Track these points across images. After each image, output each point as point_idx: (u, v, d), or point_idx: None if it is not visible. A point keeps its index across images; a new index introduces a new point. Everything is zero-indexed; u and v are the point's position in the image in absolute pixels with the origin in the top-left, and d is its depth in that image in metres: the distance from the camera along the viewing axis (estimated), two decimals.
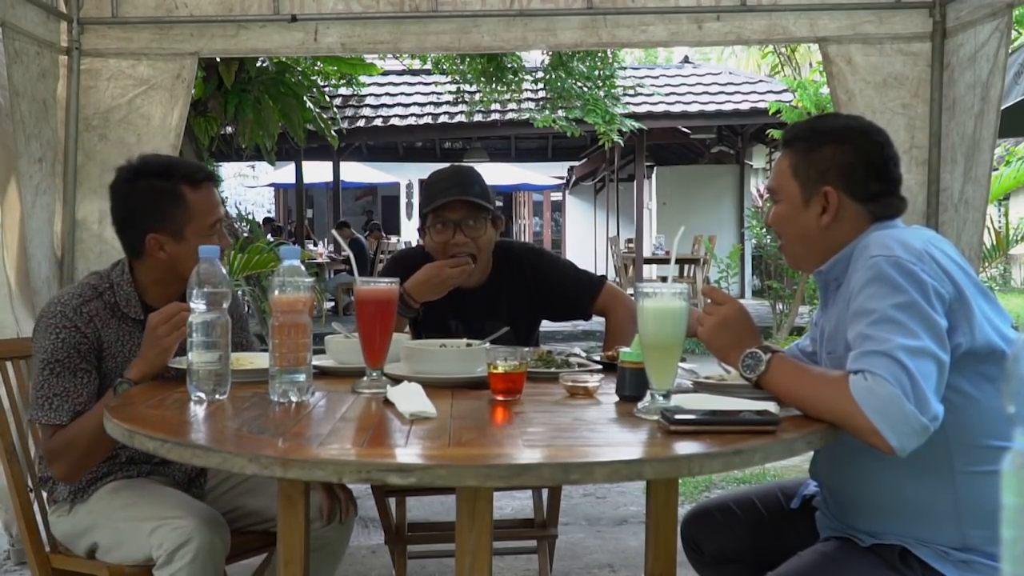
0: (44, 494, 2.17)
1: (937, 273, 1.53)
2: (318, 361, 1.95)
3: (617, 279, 13.31)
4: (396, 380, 1.77)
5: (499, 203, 2.63)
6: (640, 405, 1.57)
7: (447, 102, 12.43)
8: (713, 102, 12.34)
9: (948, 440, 1.54)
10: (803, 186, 1.72)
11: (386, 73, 12.35)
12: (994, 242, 7.54)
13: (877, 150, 1.72)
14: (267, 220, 15.04)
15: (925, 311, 1.48)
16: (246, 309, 10.16)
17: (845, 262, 1.69)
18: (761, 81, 13.06)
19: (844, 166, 1.70)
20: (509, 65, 10.19)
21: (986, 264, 7.57)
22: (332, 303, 11.63)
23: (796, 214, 1.74)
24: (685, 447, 1.35)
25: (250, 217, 11.48)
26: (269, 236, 10.82)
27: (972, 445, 1.56)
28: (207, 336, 1.68)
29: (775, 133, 10.26)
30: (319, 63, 9.32)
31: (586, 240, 20.35)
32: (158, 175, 2.03)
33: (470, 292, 2.55)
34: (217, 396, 1.68)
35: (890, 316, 1.48)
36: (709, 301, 1.72)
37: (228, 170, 18.37)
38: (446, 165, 2.73)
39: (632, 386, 1.69)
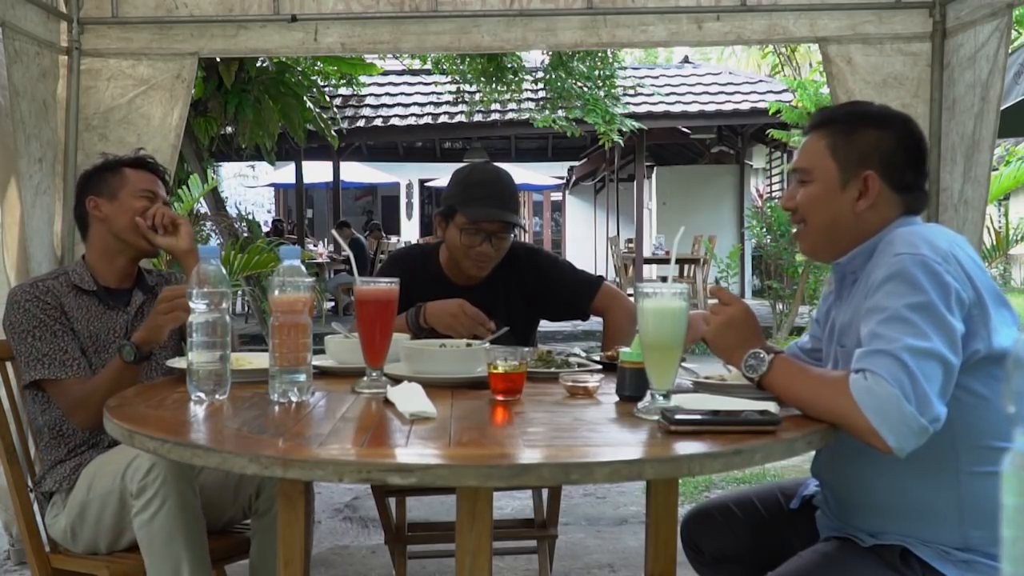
0: (38, 493, 2.20)
1: (961, 276, 1.51)
2: (318, 361, 1.95)
3: (617, 279, 13.31)
4: (396, 380, 1.77)
5: None
6: (640, 405, 1.57)
7: (447, 102, 12.43)
8: (713, 102, 12.34)
9: (955, 440, 1.54)
10: (842, 168, 1.67)
11: (386, 73, 12.36)
12: (994, 242, 7.53)
13: (917, 140, 1.69)
14: (277, 222, 15.06)
15: (940, 313, 1.46)
16: (246, 309, 10.17)
17: (865, 256, 1.66)
18: (761, 81, 13.06)
19: (887, 152, 1.66)
20: (509, 65, 10.19)
21: (986, 264, 7.57)
22: (332, 303, 11.63)
23: (831, 196, 1.68)
24: (685, 447, 1.35)
25: (250, 217, 11.49)
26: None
27: (979, 446, 1.55)
28: (207, 336, 1.68)
29: (775, 133, 10.27)
30: (319, 63, 9.33)
31: (586, 240, 20.36)
32: (111, 160, 2.36)
33: (469, 290, 2.55)
34: (217, 396, 1.68)
35: (902, 315, 1.46)
36: (714, 301, 1.71)
37: (228, 170, 18.38)
38: (484, 162, 2.75)
39: (632, 386, 1.69)
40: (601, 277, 2.72)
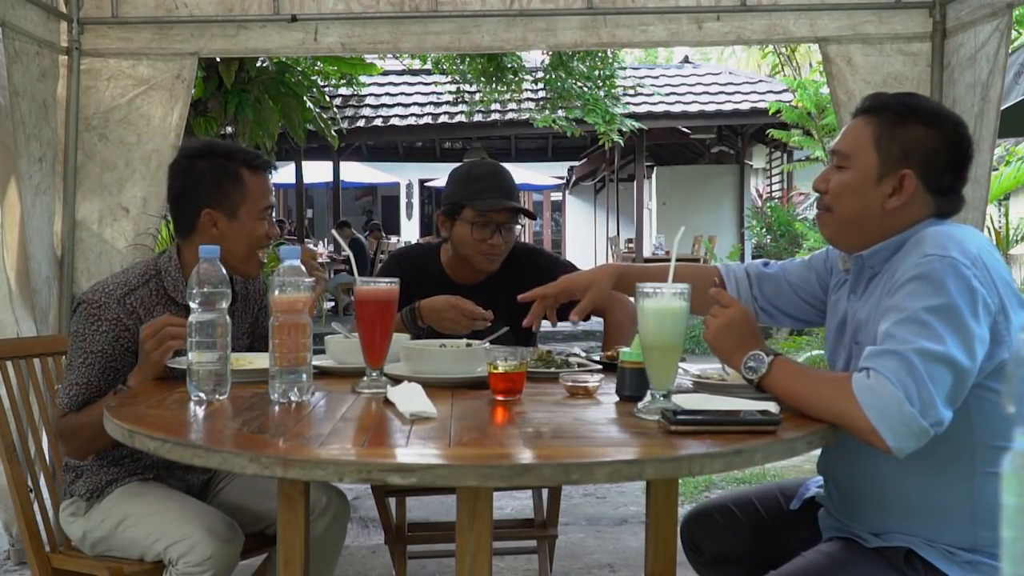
0: (65, 484, 2.16)
1: (988, 281, 1.49)
2: (318, 361, 1.95)
3: None
4: (396, 380, 1.77)
5: None
6: (640, 405, 1.57)
7: (447, 102, 12.43)
8: (713, 102, 12.34)
9: (974, 439, 1.54)
10: (882, 160, 1.62)
11: (386, 73, 12.36)
12: (994, 242, 7.55)
13: (965, 145, 1.65)
14: (279, 223, 15.05)
15: (961, 317, 1.45)
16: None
17: (888, 252, 1.64)
18: (761, 81, 13.06)
19: (930, 152, 1.61)
20: (509, 65, 10.18)
21: None
22: (332, 303, 11.63)
23: (864, 188, 1.64)
24: (685, 447, 1.35)
25: None
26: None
27: (997, 446, 1.54)
28: (207, 336, 1.68)
29: (775, 133, 10.26)
30: (319, 63, 9.32)
31: (586, 240, 20.35)
32: (221, 155, 2.11)
33: (470, 289, 2.55)
34: (217, 396, 1.68)
35: (919, 318, 1.45)
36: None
37: None
38: (481, 159, 2.77)
39: (632, 386, 1.69)
40: None
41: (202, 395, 1.67)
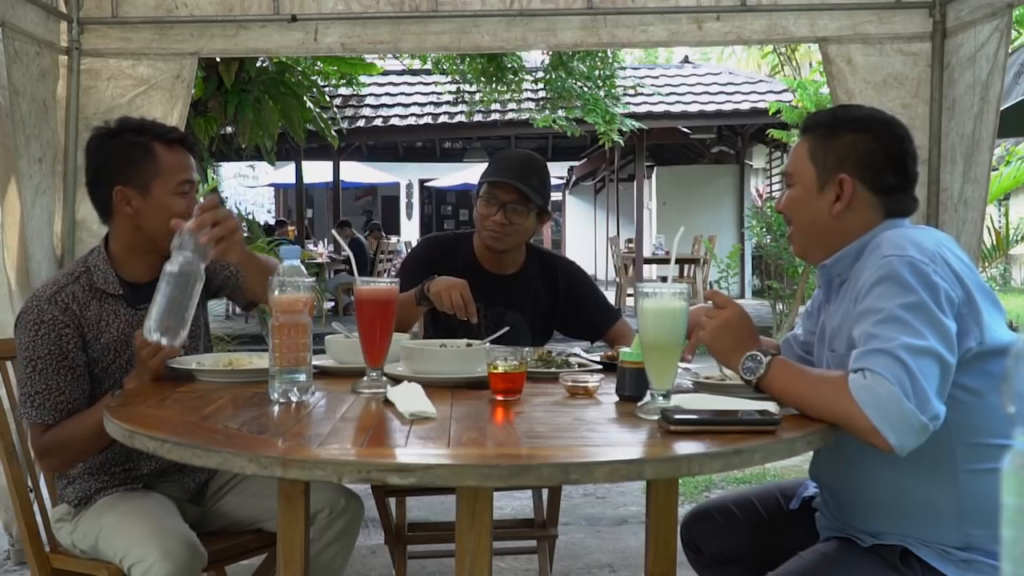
0: (58, 490, 2.15)
1: (948, 276, 1.52)
2: (318, 361, 1.95)
3: (617, 279, 13.30)
4: (396, 380, 1.77)
5: None
6: (640, 405, 1.57)
7: (447, 102, 12.42)
8: (713, 102, 12.33)
9: (951, 438, 1.54)
10: (819, 172, 1.71)
11: (386, 73, 12.35)
12: (994, 242, 7.54)
13: (897, 143, 1.71)
14: (280, 223, 15.06)
15: (933, 313, 1.47)
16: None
17: (851, 258, 1.68)
18: (761, 81, 13.06)
19: (863, 155, 1.69)
20: (509, 65, 10.17)
21: (986, 264, 7.58)
22: (332, 303, 11.62)
23: (809, 199, 1.72)
24: (685, 447, 1.35)
25: (250, 217, 11.48)
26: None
27: (976, 443, 1.56)
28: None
29: (775, 133, 10.27)
30: (319, 63, 9.31)
31: (586, 240, 20.35)
32: (132, 131, 2.04)
33: (502, 279, 2.64)
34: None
35: (897, 316, 1.47)
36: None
37: (228, 170, 18.38)
38: (516, 150, 2.86)
39: (632, 386, 1.69)
40: (620, 310, 2.80)
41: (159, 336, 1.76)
